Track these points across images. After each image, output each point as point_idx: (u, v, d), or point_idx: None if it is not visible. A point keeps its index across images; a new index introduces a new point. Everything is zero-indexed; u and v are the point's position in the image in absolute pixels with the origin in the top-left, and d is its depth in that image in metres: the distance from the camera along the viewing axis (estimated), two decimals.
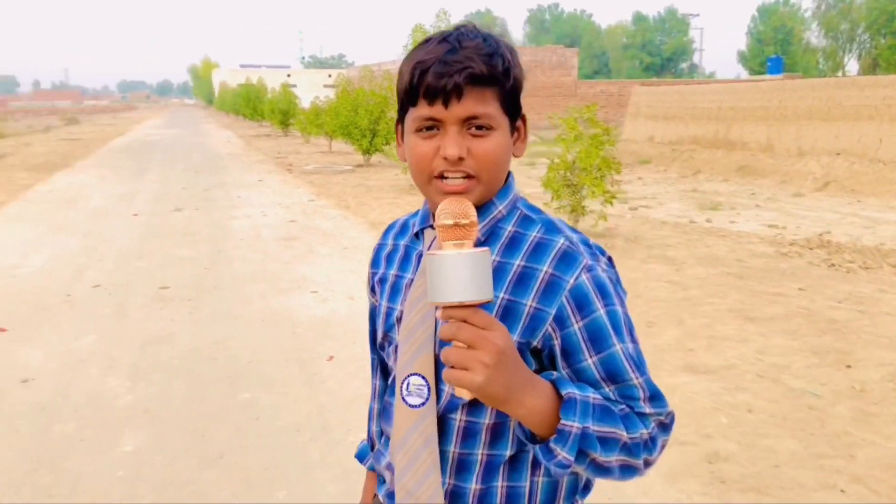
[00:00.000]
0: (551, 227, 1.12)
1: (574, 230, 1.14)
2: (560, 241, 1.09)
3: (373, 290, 1.29)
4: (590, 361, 1.06)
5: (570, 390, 1.01)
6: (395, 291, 1.19)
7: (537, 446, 1.02)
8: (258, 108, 38.07)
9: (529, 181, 15.59)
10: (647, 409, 1.08)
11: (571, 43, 70.95)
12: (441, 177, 1.06)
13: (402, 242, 1.23)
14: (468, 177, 1.05)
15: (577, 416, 0.99)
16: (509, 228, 1.12)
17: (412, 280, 1.16)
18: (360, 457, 1.41)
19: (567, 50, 37.31)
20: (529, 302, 1.06)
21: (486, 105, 1.05)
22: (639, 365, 1.09)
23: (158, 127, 42.77)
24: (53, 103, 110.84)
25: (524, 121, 1.16)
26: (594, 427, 1.00)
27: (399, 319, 1.16)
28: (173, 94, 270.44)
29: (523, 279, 1.08)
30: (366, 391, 4.05)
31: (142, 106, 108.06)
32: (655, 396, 1.09)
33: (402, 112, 1.12)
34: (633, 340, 1.10)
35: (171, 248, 8.27)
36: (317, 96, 24.54)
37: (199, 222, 9.97)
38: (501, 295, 1.08)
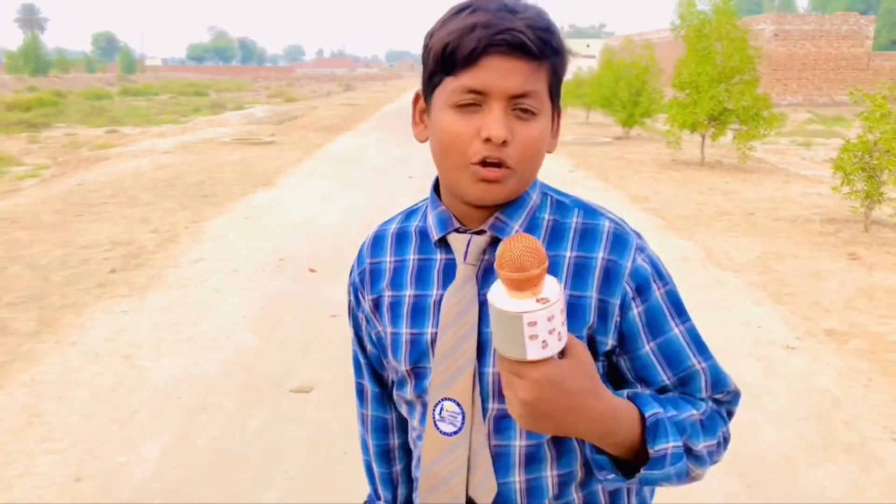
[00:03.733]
0: (590, 210, 1.03)
1: (605, 209, 1.05)
2: (606, 224, 1.00)
3: (364, 318, 1.13)
4: (647, 348, 0.99)
5: (654, 410, 0.92)
6: (418, 314, 1.04)
7: (626, 478, 0.93)
8: None
9: (803, 162, 14.26)
10: (709, 394, 1.01)
11: (867, 9, 62.61)
12: (482, 163, 0.92)
13: (411, 257, 1.07)
14: (503, 165, 0.93)
15: (669, 437, 0.91)
16: (546, 217, 1.02)
17: (439, 298, 1.02)
18: None
19: (862, 18, 33.04)
20: (593, 293, 0.97)
21: (537, 83, 0.93)
22: (700, 347, 1.01)
23: None
24: (332, 70, 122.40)
25: (559, 114, 1.02)
26: (690, 443, 0.94)
27: (432, 342, 1.02)
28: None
29: (580, 270, 0.98)
30: None
31: (407, 74, 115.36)
32: (718, 380, 1.02)
33: (430, 85, 0.97)
34: (690, 320, 1.02)
35: None
36: (579, 67, 24.41)
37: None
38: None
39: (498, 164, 0.92)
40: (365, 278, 1.11)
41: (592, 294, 0.97)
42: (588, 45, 66.40)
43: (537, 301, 0.80)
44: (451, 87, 0.93)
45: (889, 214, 7.67)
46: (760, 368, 4.17)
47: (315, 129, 19.32)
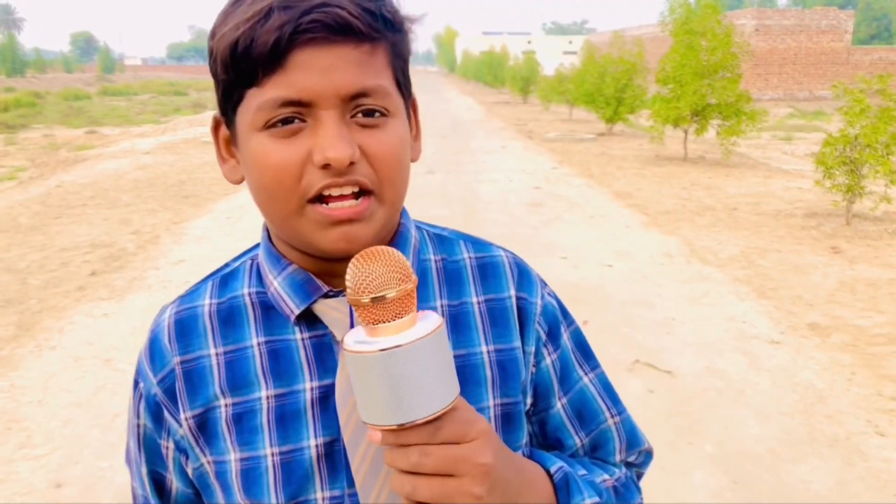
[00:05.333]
0: (478, 243, 0.84)
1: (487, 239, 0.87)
2: (503, 255, 0.83)
3: (174, 449, 0.77)
4: (559, 405, 0.82)
5: (558, 465, 0.77)
6: (288, 422, 0.72)
7: None
8: (499, 75, 38.91)
9: (784, 157, 14.37)
10: (622, 457, 0.86)
11: (846, 4, 63.29)
12: (319, 198, 0.66)
13: (253, 342, 0.75)
14: (362, 192, 0.67)
15: (584, 494, 0.76)
16: (432, 258, 0.80)
17: (320, 393, 0.73)
18: None
19: (841, 12, 33.37)
20: (519, 343, 0.79)
21: (377, 75, 0.67)
22: (612, 397, 0.86)
23: None
24: None
25: (415, 108, 0.78)
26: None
27: (322, 458, 0.72)
28: (417, 61, 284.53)
29: (498, 317, 0.79)
30: (624, 357, 4.07)
31: None
32: (632, 438, 0.87)
33: (229, 104, 0.69)
34: (598, 365, 0.87)
35: (428, 207, 8.83)
36: (561, 63, 24.46)
37: (451, 185, 10.51)
38: (484, 348, 0.77)
39: (353, 196, 0.66)
40: (176, 386, 0.75)
41: (518, 343, 0.79)
42: (570, 42, 66.78)
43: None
44: (255, 103, 0.66)
45: (870, 208, 7.74)
46: (745, 363, 4.19)
47: None
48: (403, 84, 0.72)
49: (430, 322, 0.60)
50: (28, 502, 2.89)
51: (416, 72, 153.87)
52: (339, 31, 0.64)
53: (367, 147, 0.66)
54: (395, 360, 0.57)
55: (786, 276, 5.90)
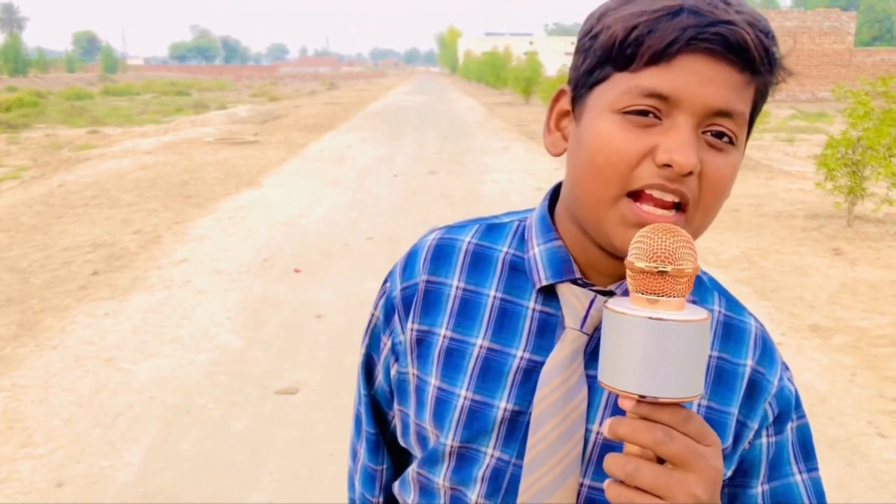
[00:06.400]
0: (732, 302, 0.80)
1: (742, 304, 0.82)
2: (753, 324, 0.79)
3: (390, 350, 0.84)
4: (760, 489, 0.78)
5: None
6: (490, 375, 0.76)
7: None
8: (501, 75, 38.91)
9: (786, 158, 14.35)
10: None
11: (848, 5, 63.26)
12: (639, 196, 0.66)
13: (492, 292, 0.78)
14: (681, 208, 0.67)
15: None
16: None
17: (528, 364, 0.75)
18: None
19: (843, 14, 33.37)
20: (734, 411, 0.75)
21: (745, 102, 0.68)
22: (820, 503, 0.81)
23: (408, 93, 45.36)
24: (316, 69, 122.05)
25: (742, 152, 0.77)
26: None
27: (505, 422, 0.75)
28: (419, 62, 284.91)
29: (725, 378, 0.76)
30: None
31: (391, 73, 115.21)
32: None
33: (587, 80, 0.71)
34: (817, 468, 0.82)
35: (430, 207, 8.84)
36: (564, 64, 24.45)
37: (452, 185, 10.51)
38: (700, 401, 0.75)
39: (671, 206, 0.66)
40: (415, 298, 0.80)
41: (733, 410, 0.75)
42: (573, 43, 66.32)
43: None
44: (622, 86, 0.67)
45: (871, 210, 7.74)
46: None
47: (299, 129, 19.22)
48: (752, 122, 0.73)
49: (700, 312, 0.61)
50: (29, 501, 2.89)
51: (417, 72, 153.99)
52: (733, 52, 0.65)
53: (706, 166, 0.66)
54: (664, 331, 0.58)
55: (787, 278, 5.90)
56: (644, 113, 0.66)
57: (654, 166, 0.65)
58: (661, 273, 0.59)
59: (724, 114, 0.66)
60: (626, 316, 0.59)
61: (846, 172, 7.60)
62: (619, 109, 0.67)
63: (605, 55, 0.68)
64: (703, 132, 0.66)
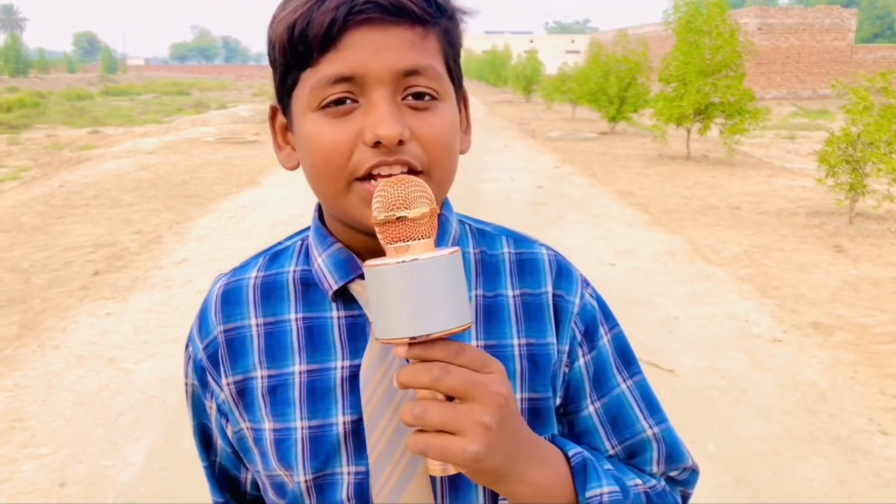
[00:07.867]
0: (520, 238, 0.84)
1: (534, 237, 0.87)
2: (544, 252, 0.82)
3: (216, 410, 0.81)
4: (591, 409, 0.80)
5: (577, 450, 0.73)
6: (317, 398, 0.75)
7: None
8: (502, 74, 38.90)
9: (787, 156, 14.35)
10: (661, 470, 0.82)
11: (849, 2, 63.20)
12: (368, 177, 0.67)
13: (292, 316, 0.77)
14: (412, 173, 0.67)
15: (602, 482, 0.72)
16: (472, 250, 0.80)
17: (350, 372, 0.74)
18: None
19: (844, 10, 33.33)
20: (553, 340, 0.77)
21: (428, 56, 0.69)
22: (652, 407, 0.82)
23: None
24: None
25: (466, 101, 0.79)
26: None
27: (349, 435, 0.74)
28: None
29: (533, 311, 0.78)
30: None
31: None
32: (674, 452, 0.82)
33: (285, 90, 0.72)
34: (640, 372, 0.83)
35: None
36: (564, 62, 24.45)
37: (454, 183, 10.51)
38: (516, 341, 0.77)
39: (407, 172, 0.67)
40: (219, 353, 0.78)
41: (552, 340, 0.78)
42: (573, 41, 66.64)
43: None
44: (309, 83, 0.68)
45: (873, 207, 7.73)
46: (747, 362, 4.18)
47: None
48: (454, 71, 0.73)
49: (449, 250, 0.62)
50: (32, 501, 2.90)
51: None
52: (393, 13, 0.66)
53: (417, 129, 0.68)
54: (414, 271, 0.59)
55: (788, 275, 5.89)
56: (341, 101, 0.67)
57: (368, 148, 0.66)
58: (401, 219, 0.61)
59: (412, 72, 0.67)
60: (379, 267, 0.60)
61: (847, 169, 7.59)
62: (316, 107, 0.68)
63: (285, 61, 0.69)
64: (404, 98, 0.68)
